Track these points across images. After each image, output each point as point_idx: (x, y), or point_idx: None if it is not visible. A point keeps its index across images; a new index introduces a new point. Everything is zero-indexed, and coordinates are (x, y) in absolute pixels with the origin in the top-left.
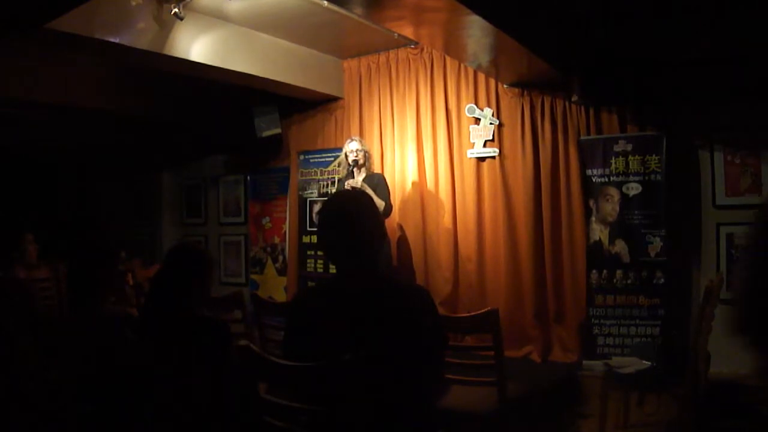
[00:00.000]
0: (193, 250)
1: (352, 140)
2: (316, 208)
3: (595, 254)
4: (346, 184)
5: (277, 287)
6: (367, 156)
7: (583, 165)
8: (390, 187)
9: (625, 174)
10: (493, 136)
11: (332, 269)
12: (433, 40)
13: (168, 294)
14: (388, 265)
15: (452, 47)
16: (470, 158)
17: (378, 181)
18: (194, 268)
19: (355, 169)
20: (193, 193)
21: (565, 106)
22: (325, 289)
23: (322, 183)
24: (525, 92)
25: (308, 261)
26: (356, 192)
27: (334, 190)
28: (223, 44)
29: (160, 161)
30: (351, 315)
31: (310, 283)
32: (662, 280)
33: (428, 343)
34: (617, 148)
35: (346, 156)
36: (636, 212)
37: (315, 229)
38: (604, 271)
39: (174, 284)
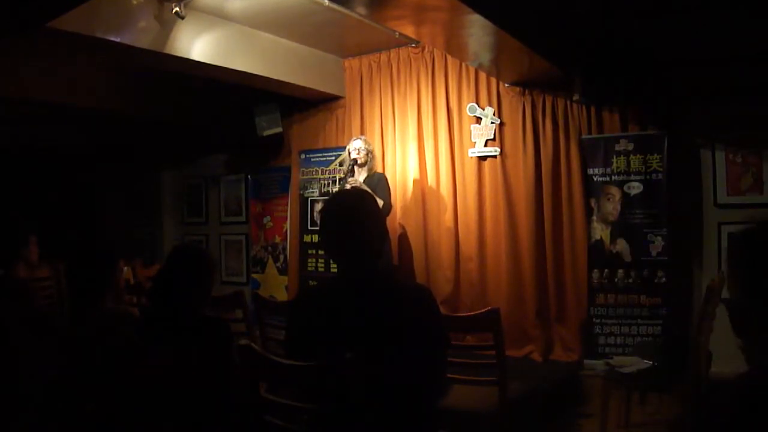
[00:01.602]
0: (194, 251)
1: (357, 139)
2: (318, 207)
3: (597, 253)
4: (346, 182)
5: (278, 286)
6: (370, 156)
7: (585, 164)
8: (391, 187)
9: (627, 173)
10: (495, 135)
11: (333, 268)
12: (435, 39)
13: (170, 295)
14: (389, 264)
15: (453, 46)
16: (471, 157)
17: (378, 181)
18: (196, 270)
19: (356, 168)
20: (194, 193)
21: (566, 105)
22: (327, 288)
23: (323, 182)
24: (526, 91)
25: (309, 260)
26: (358, 191)
27: (335, 189)
28: (224, 43)
29: (161, 160)
30: (353, 314)
31: (311, 282)
32: (663, 280)
33: (430, 343)
34: (618, 147)
35: (349, 154)
36: (637, 211)
37: (316, 228)
38: (606, 271)
39: (176, 285)
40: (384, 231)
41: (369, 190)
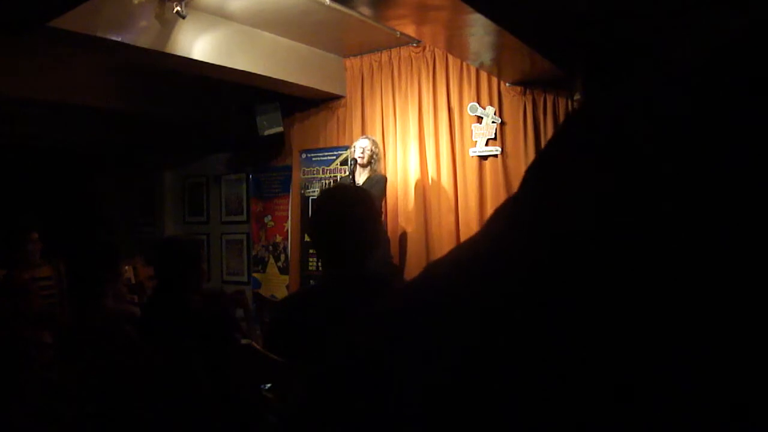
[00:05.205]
0: (174, 242)
1: (365, 138)
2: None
3: None
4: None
5: (279, 286)
6: (375, 159)
7: None
8: (392, 186)
9: None
10: (496, 134)
11: None
12: (436, 39)
13: (165, 289)
14: (388, 263)
15: (454, 45)
16: (472, 157)
17: (375, 183)
18: (181, 259)
19: (358, 168)
20: (195, 192)
21: (567, 105)
22: (312, 293)
23: (324, 182)
24: (527, 90)
25: (310, 260)
26: (356, 188)
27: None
28: (225, 42)
29: (162, 159)
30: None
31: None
32: None
33: None
34: None
35: (354, 151)
36: None
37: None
38: None
39: (166, 279)
40: (375, 236)
41: (367, 190)
